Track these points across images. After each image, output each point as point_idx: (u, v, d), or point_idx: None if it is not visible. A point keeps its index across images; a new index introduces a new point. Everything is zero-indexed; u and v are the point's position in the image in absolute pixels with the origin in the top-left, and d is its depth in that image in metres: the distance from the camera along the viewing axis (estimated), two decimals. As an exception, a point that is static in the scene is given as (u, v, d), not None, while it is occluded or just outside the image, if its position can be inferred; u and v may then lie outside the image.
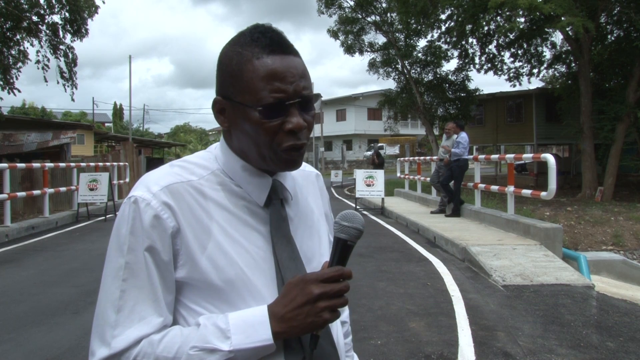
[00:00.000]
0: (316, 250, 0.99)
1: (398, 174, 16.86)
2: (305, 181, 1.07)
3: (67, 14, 13.69)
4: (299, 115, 0.88)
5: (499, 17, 16.03)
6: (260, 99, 0.86)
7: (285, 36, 0.92)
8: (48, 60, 13.86)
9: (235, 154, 0.94)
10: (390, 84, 39.93)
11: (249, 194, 0.93)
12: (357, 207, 12.47)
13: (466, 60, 20.42)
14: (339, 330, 1.01)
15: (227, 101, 0.91)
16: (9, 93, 13.26)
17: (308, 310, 0.81)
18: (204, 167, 0.94)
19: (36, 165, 10.88)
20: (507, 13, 14.39)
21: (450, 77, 22.12)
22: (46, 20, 13.82)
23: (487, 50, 18.96)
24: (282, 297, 0.84)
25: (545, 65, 18.87)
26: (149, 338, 0.83)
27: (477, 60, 19.81)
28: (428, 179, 12.63)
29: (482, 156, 10.96)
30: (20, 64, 13.53)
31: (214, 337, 0.81)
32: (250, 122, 0.88)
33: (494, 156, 10.46)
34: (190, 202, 0.89)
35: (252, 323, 0.82)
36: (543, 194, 7.37)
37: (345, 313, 1.15)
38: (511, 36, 17.04)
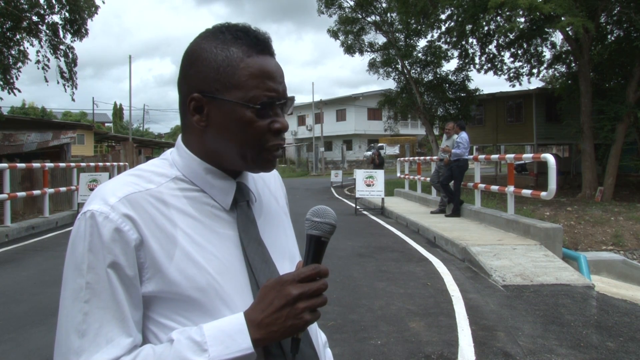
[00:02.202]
0: (285, 248, 0.97)
1: (398, 174, 16.86)
2: (266, 179, 1.06)
3: (67, 14, 13.70)
4: (283, 116, 0.90)
5: (499, 17, 16.01)
6: (254, 97, 0.85)
7: (269, 36, 0.92)
8: (48, 60, 13.87)
9: (199, 156, 0.90)
10: (390, 84, 39.99)
11: (213, 197, 0.90)
12: (358, 207, 12.48)
13: (466, 60, 20.40)
14: (317, 332, 0.99)
15: (209, 98, 0.87)
16: (9, 93, 13.27)
17: (288, 313, 0.78)
18: (162, 174, 0.89)
19: (36, 165, 10.86)
20: (507, 13, 14.37)
21: (450, 77, 22.10)
22: (46, 20, 13.82)
23: (487, 50, 18.93)
24: (258, 302, 0.80)
25: (545, 65, 18.85)
26: None
27: (477, 60, 19.79)
28: (428, 179, 12.64)
29: (482, 156, 10.95)
30: (20, 64, 13.53)
31: (189, 351, 0.76)
32: (240, 121, 0.86)
33: (494, 156, 10.46)
34: (152, 212, 0.84)
35: (230, 332, 0.78)
36: (543, 194, 7.37)
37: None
38: (511, 36, 17.02)
